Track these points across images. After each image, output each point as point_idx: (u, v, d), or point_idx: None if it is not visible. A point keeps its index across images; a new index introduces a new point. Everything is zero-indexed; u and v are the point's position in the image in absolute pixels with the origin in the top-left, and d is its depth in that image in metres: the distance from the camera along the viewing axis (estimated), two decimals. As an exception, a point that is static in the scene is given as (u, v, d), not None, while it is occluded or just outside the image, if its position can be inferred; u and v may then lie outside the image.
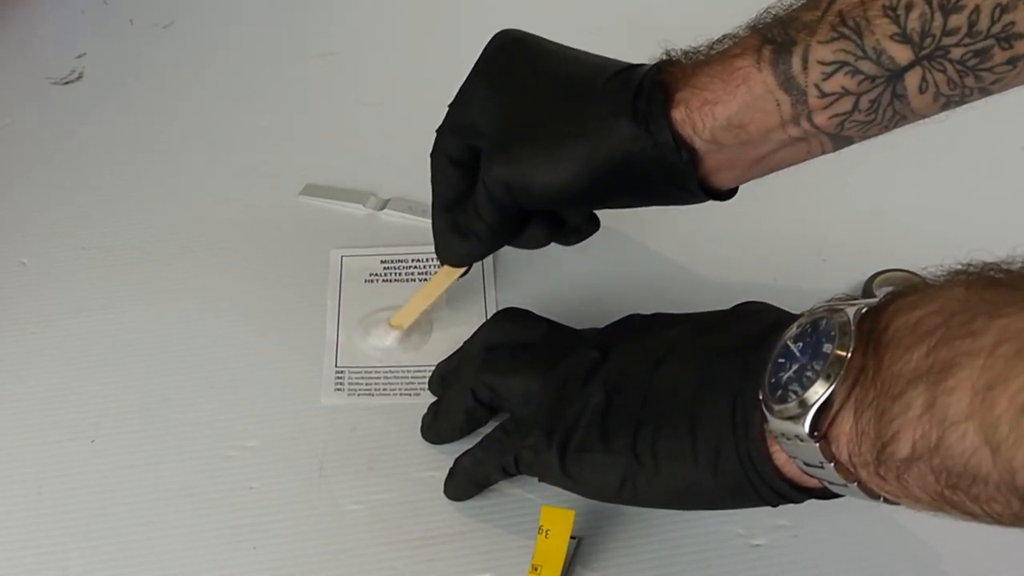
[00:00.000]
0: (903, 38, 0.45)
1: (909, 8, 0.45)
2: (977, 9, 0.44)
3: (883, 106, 0.47)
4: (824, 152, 0.50)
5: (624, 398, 0.46)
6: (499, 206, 0.52)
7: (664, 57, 0.51)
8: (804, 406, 0.38)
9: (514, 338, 0.53)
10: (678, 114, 0.49)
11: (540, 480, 0.48)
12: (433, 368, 0.56)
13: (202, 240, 0.65)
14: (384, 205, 0.66)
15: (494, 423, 0.52)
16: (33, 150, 0.72)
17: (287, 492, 0.52)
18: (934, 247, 0.63)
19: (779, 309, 0.47)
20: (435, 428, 0.53)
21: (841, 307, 0.39)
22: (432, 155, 0.56)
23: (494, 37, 0.55)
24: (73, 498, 0.52)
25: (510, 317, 0.54)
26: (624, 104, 0.49)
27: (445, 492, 0.51)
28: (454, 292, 0.61)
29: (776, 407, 0.39)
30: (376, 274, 0.63)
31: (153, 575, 0.49)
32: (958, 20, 0.45)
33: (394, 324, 0.59)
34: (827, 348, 0.38)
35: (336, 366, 0.58)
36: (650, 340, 0.48)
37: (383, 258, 0.63)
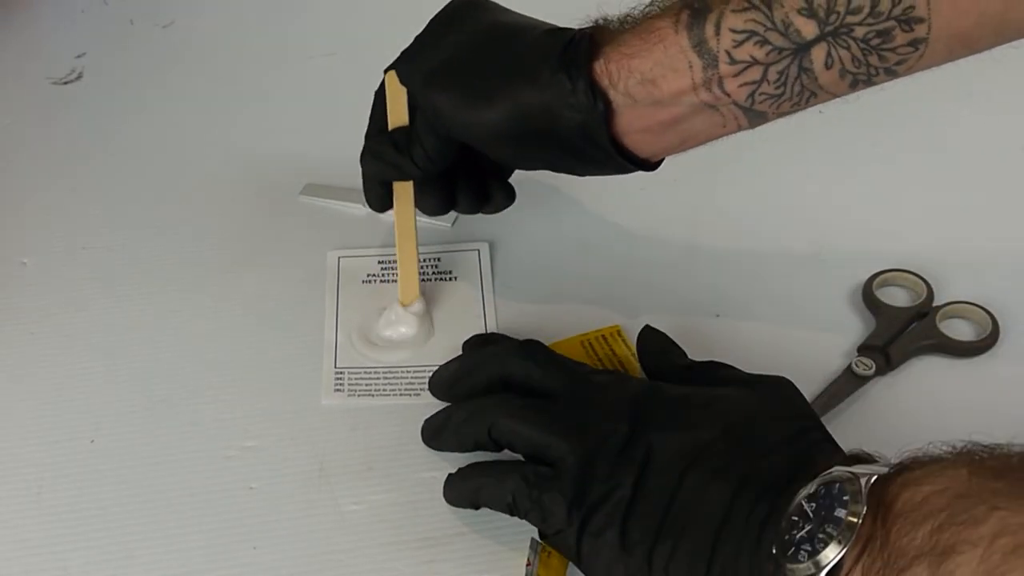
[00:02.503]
0: (809, 13, 0.47)
1: None
2: None
3: (791, 79, 0.49)
4: (740, 127, 0.52)
5: (650, 497, 0.45)
6: (434, 133, 0.55)
7: (601, 21, 0.54)
8: (817, 567, 0.40)
9: (534, 380, 0.52)
10: (598, 66, 0.51)
11: (543, 538, 0.48)
12: (433, 369, 0.56)
13: (202, 240, 0.65)
14: (384, 205, 0.67)
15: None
16: (33, 150, 0.72)
17: (287, 492, 0.52)
18: (934, 247, 0.64)
19: (801, 397, 0.49)
20: (438, 442, 0.53)
21: (853, 474, 0.41)
22: (377, 92, 0.58)
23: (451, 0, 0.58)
24: (73, 498, 0.52)
25: (534, 358, 0.53)
26: (553, 54, 0.52)
27: (445, 495, 0.50)
28: (454, 291, 0.61)
29: (789, 566, 0.41)
30: (373, 274, 0.63)
31: (153, 575, 0.49)
32: (861, 0, 0.47)
33: (406, 302, 0.59)
34: (840, 513, 0.40)
35: (335, 367, 0.58)
36: (682, 435, 0.47)
37: (380, 258, 0.63)
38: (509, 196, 0.61)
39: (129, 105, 0.76)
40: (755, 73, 0.49)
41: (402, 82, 0.57)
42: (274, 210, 0.67)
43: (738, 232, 0.65)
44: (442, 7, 0.57)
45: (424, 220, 0.64)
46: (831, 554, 0.40)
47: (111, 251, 0.65)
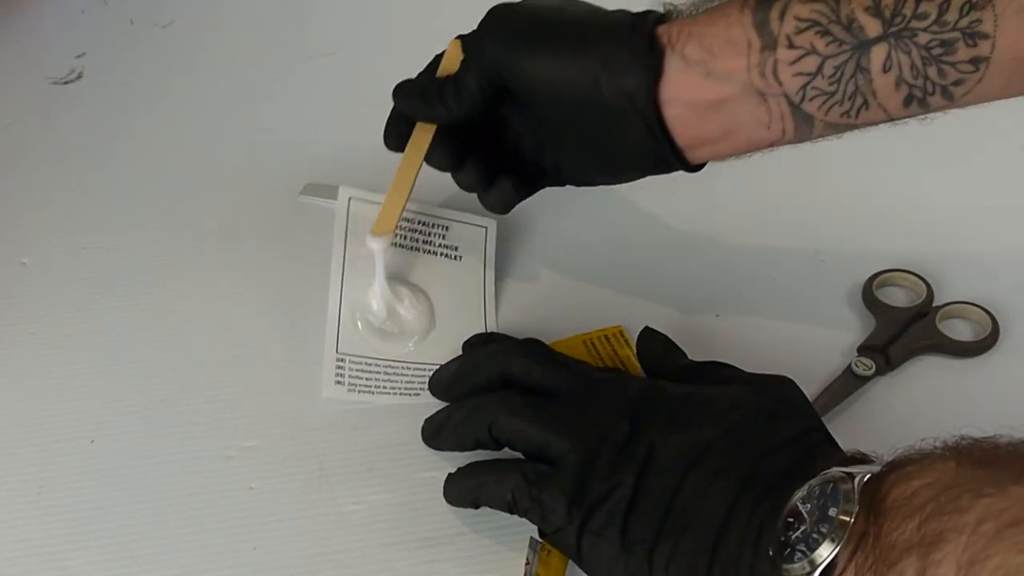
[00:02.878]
0: (876, 12, 0.48)
1: None
2: (948, 0, 0.47)
3: (846, 76, 0.49)
4: (783, 134, 0.51)
5: (651, 496, 0.45)
6: (482, 70, 0.55)
7: (671, 6, 0.54)
8: (812, 565, 0.40)
9: (534, 379, 0.51)
10: (661, 29, 0.52)
11: (543, 537, 0.48)
12: (433, 367, 0.56)
13: (202, 240, 0.65)
14: (384, 205, 0.66)
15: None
16: (33, 150, 0.72)
17: (287, 492, 0.52)
18: (934, 247, 0.64)
19: (803, 397, 0.49)
20: (438, 441, 0.53)
21: (847, 474, 0.41)
22: (436, 55, 0.59)
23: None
24: (73, 498, 0.52)
25: (534, 356, 0.53)
26: (622, 20, 0.52)
27: (445, 495, 0.51)
28: (457, 275, 0.61)
29: (785, 566, 0.41)
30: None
31: (153, 575, 0.49)
32: (929, 6, 0.47)
33: (378, 232, 0.57)
34: (833, 512, 0.41)
35: (337, 352, 0.57)
36: (683, 434, 0.47)
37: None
38: (513, 196, 0.59)
39: (129, 105, 0.76)
40: (811, 63, 0.49)
41: (465, 44, 0.57)
42: (274, 210, 0.67)
43: (738, 232, 0.65)
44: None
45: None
46: (824, 552, 0.40)
47: (111, 251, 0.65)
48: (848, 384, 0.56)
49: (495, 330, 0.60)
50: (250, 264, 0.64)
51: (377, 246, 0.57)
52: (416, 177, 0.58)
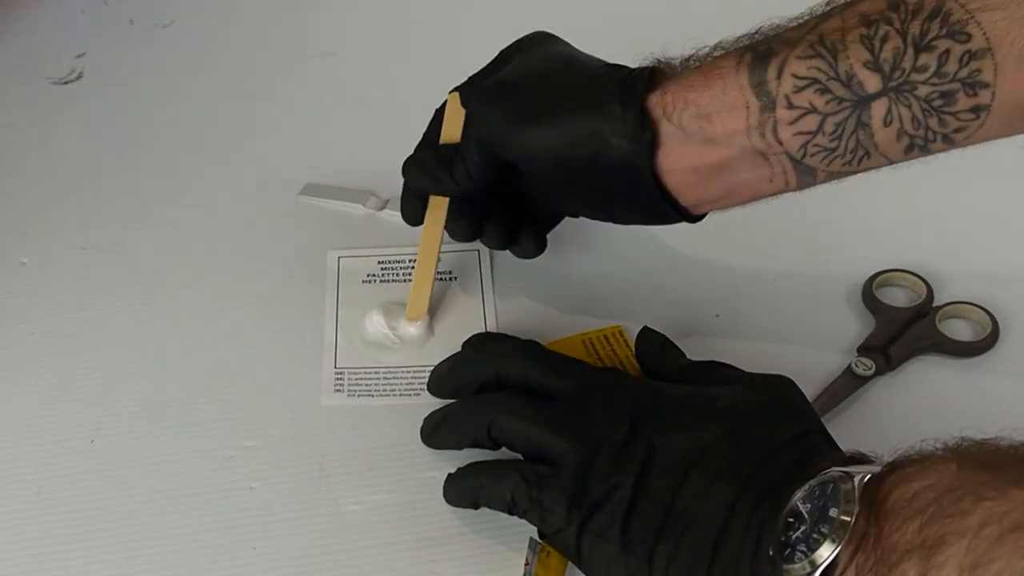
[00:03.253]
0: (875, 67, 0.47)
1: (884, 40, 0.47)
2: (947, 52, 0.46)
3: (847, 133, 0.48)
4: (787, 185, 0.51)
5: (651, 497, 0.45)
6: (481, 149, 0.55)
7: (662, 59, 0.54)
8: (813, 566, 0.40)
9: (533, 379, 0.51)
10: (654, 96, 0.51)
11: (542, 538, 0.48)
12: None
13: (202, 240, 0.65)
14: (384, 205, 0.67)
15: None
16: (33, 150, 0.72)
17: (287, 492, 0.52)
18: (934, 247, 0.64)
19: (803, 397, 0.49)
20: (435, 439, 0.53)
21: (847, 473, 0.41)
22: (437, 110, 0.59)
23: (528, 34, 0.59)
24: (73, 498, 0.52)
25: (533, 356, 0.53)
26: (611, 83, 0.52)
27: (444, 495, 0.51)
28: (454, 291, 0.61)
29: (785, 566, 0.41)
30: (373, 275, 0.63)
31: (153, 575, 0.49)
32: (928, 59, 0.46)
33: (412, 317, 0.59)
34: (833, 512, 0.41)
35: (335, 367, 0.58)
36: (683, 435, 0.47)
37: (380, 259, 0.63)
38: (539, 245, 0.60)
39: (129, 105, 0.76)
40: (812, 122, 0.48)
41: (463, 102, 0.57)
42: (274, 210, 0.67)
43: (738, 232, 0.65)
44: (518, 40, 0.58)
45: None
46: (825, 553, 0.40)
47: (111, 251, 0.65)
48: (848, 384, 0.56)
49: (495, 330, 0.60)
50: (250, 264, 0.64)
51: (416, 331, 0.59)
52: (439, 253, 0.59)
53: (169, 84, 0.78)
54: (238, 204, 0.68)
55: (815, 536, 0.41)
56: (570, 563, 0.48)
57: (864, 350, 0.58)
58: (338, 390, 0.56)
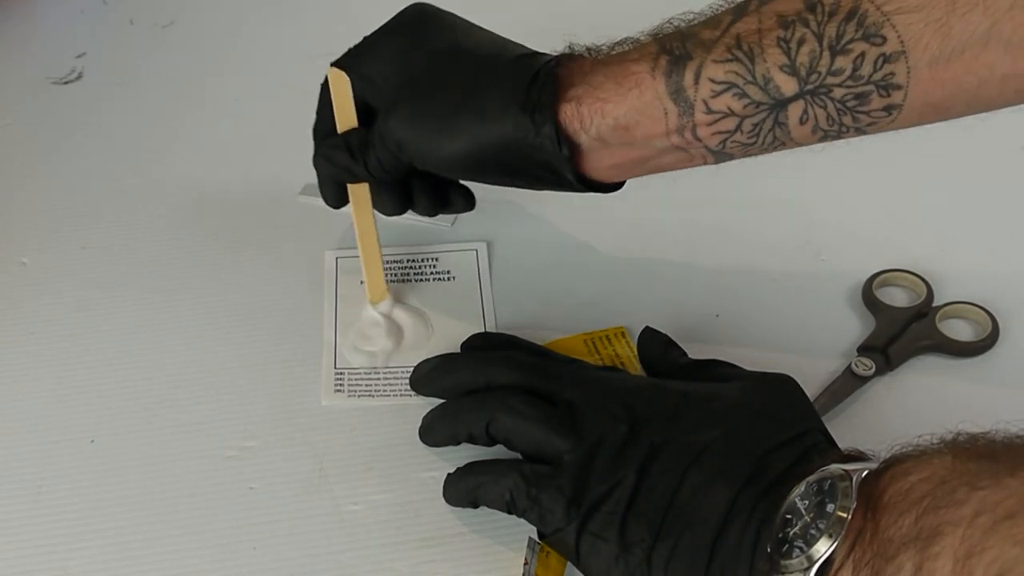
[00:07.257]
0: (791, 70, 0.47)
1: (801, 43, 0.47)
2: (863, 55, 0.47)
3: (764, 132, 0.49)
4: (705, 163, 0.52)
5: (651, 496, 0.45)
6: (392, 157, 0.55)
7: (567, 51, 0.54)
8: (810, 561, 0.40)
9: (532, 379, 0.51)
10: (568, 108, 0.51)
11: (542, 538, 0.48)
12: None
13: (202, 240, 0.65)
14: (384, 205, 0.67)
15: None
16: (33, 150, 0.72)
17: (287, 492, 0.52)
18: (934, 247, 0.64)
19: (803, 396, 0.49)
20: (431, 435, 0.53)
21: (844, 470, 0.42)
22: (323, 86, 0.58)
23: (407, 7, 0.58)
24: (73, 498, 0.52)
25: (533, 355, 0.53)
26: (519, 91, 0.51)
27: (444, 495, 0.51)
28: (453, 291, 0.61)
29: (783, 562, 0.41)
30: None
31: (153, 575, 0.49)
32: (844, 62, 0.47)
33: (374, 300, 0.60)
34: (830, 508, 0.41)
35: (335, 368, 0.58)
36: (683, 433, 0.47)
37: None
38: (468, 201, 0.61)
39: (129, 105, 0.76)
40: (730, 124, 0.49)
41: (364, 99, 0.56)
42: (273, 210, 0.67)
43: (738, 232, 0.65)
44: (397, 14, 0.57)
45: (423, 221, 0.64)
46: (822, 548, 0.40)
47: (111, 251, 0.65)
48: (848, 384, 0.56)
49: (494, 330, 0.60)
50: (250, 263, 0.64)
51: (383, 310, 0.60)
52: (376, 231, 0.59)
53: (169, 84, 0.78)
54: (238, 204, 0.68)
55: (812, 532, 0.41)
56: (569, 563, 0.48)
57: (864, 350, 0.58)
58: (338, 390, 0.56)
